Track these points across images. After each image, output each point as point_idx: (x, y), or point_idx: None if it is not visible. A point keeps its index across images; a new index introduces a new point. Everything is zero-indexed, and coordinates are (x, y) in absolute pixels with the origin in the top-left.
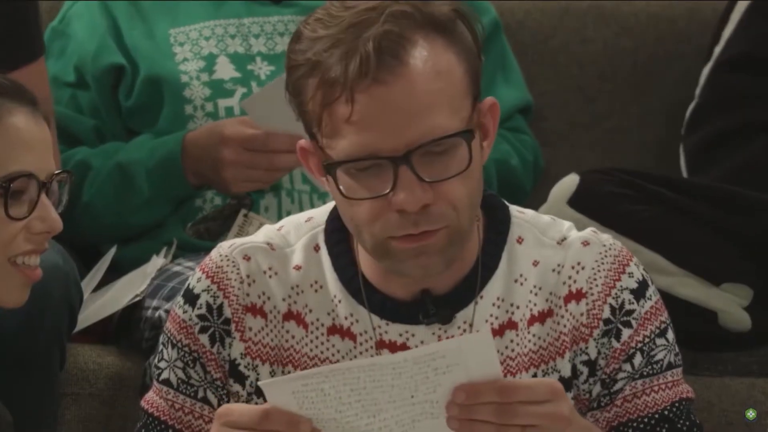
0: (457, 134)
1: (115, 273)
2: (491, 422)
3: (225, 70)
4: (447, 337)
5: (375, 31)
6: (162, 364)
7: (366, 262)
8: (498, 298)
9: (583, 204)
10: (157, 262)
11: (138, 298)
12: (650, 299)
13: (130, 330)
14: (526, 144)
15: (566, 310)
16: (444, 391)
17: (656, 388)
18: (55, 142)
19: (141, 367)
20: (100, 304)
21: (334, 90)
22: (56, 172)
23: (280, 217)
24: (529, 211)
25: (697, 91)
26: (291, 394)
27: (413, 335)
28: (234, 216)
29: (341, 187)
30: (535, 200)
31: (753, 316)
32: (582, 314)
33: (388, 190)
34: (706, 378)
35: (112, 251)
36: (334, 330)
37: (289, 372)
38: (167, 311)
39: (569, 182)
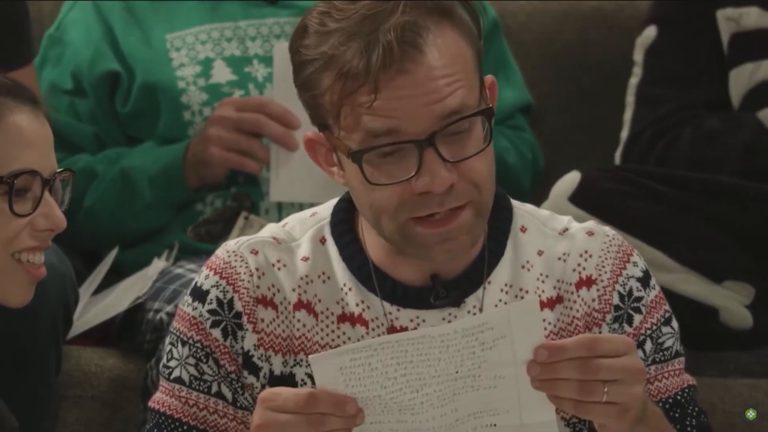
0: (478, 113)
1: (116, 276)
2: (574, 380)
3: (222, 73)
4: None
5: (395, 22)
6: (172, 363)
7: (374, 251)
8: (506, 284)
9: (585, 201)
10: (159, 264)
11: (140, 301)
12: (654, 288)
13: (132, 332)
14: (525, 141)
15: (578, 296)
16: (488, 366)
17: (667, 375)
18: None
19: (143, 370)
20: (102, 306)
21: (355, 82)
22: (59, 170)
23: (280, 220)
24: (529, 205)
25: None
26: (339, 371)
27: (424, 320)
28: (235, 218)
29: (366, 174)
30: (535, 201)
31: (755, 314)
32: (594, 300)
33: (412, 174)
34: (708, 378)
35: (113, 254)
36: (344, 318)
37: (300, 360)
38: (169, 314)
39: (571, 179)
